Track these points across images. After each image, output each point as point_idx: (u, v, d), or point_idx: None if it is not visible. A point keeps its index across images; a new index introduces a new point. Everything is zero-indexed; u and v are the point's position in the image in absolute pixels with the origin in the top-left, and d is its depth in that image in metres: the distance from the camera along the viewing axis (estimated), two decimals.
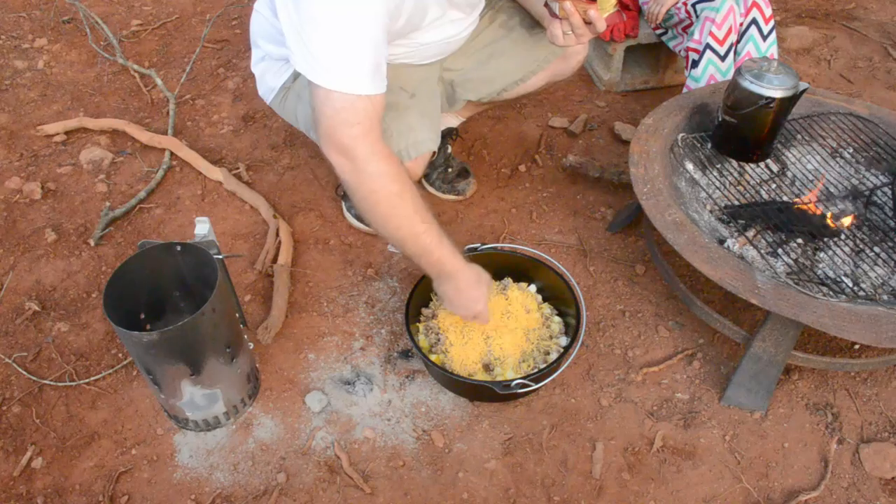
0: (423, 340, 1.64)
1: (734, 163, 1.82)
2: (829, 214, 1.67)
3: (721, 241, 1.65)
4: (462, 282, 1.50)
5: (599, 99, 2.59)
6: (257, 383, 1.63)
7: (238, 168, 2.24)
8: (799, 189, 1.77)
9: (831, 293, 1.46)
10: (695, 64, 2.19)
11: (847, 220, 1.67)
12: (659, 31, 2.41)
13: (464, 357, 1.58)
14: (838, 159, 1.84)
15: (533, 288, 1.75)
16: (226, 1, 3.11)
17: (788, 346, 1.51)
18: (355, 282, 1.90)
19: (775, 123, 1.66)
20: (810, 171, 1.80)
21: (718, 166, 1.81)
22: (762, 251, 1.60)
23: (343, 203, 2.07)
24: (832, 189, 1.77)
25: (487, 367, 1.58)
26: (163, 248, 1.43)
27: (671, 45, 2.40)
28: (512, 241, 2.02)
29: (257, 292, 1.87)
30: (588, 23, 1.41)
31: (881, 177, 1.78)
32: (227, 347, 1.44)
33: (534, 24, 1.80)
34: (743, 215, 1.70)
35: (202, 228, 1.46)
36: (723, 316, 1.60)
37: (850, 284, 1.54)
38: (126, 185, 2.20)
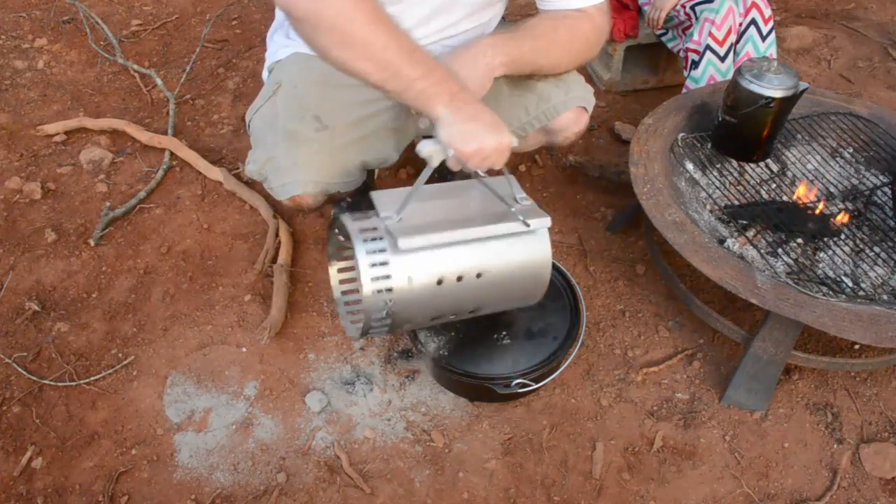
0: None
1: (734, 163, 1.82)
2: (819, 207, 1.67)
3: (721, 241, 1.65)
4: (472, 105, 1.27)
5: (599, 99, 2.58)
6: None
7: (238, 168, 2.24)
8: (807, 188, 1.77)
9: (831, 293, 1.46)
10: (695, 65, 2.19)
11: (844, 217, 1.67)
12: (659, 32, 2.41)
13: None
14: (838, 159, 1.84)
15: None
16: (226, 1, 3.11)
17: (788, 346, 1.51)
18: None
19: (775, 123, 1.66)
20: (810, 171, 1.80)
21: (718, 166, 1.81)
22: (762, 251, 1.60)
23: (333, 209, 2.03)
24: (832, 189, 1.77)
25: None
26: None
27: (670, 45, 2.40)
28: None
29: (257, 292, 1.87)
30: None
31: (881, 177, 1.78)
32: None
33: (517, 84, 1.61)
34: (743, 215, 1.70)
35: None
36: (723, 316, 1.60)
37: (850, 284, 1.54)
38: (126, 185, 2.20)
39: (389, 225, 1.20)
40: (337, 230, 1.38)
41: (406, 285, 1.20)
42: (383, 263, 1.19)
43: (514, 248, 1.30)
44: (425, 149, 1.25)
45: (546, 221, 1.29)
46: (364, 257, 1.18)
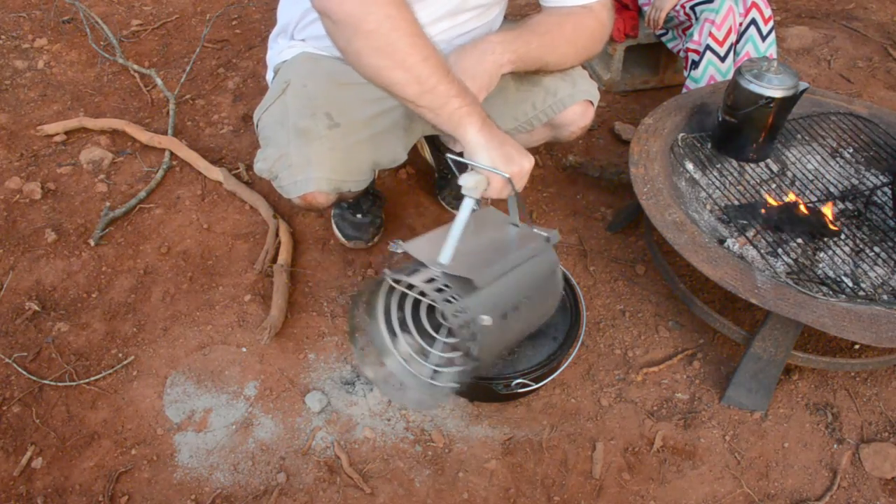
0: None
1: (734, 163, 1.81)
2: (819, 208, 1.67)
3: (721, 241, 1.65)
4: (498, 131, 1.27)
5: (599, 99, 2.58)
6: None
7: (238, 168, 2.24)
8: (799, 189, 1.77)
9: (831, 293, 1.46)
10: (695, 65, 2.19)
11: (829, 211, 1.67)
12: (659, 32, 2.41)
13: None
14: (838, 159, 1.84)
15: None
16: (226, 1, 3.11)
17: (788, 346, 1.51)
18: (355, 282, 1.90)
19: (775, 123, 1.66)
20: (810, 171, 1.80)
21: (718, 166, 1.81)
22: (762, 251, 1.60)
23: (333, 210, 2.05)
24: (832, 189, 1.77)
25: None
26: None
27: (670, 45, 2.40)
28: None
29: (257, 292, 1.87)
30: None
31: (881, 177, 1.78)
32: None
33: (523, 79, 1.62)
34: (743, 215, 1.70)
35: None
36: (723, 316, 1.60)
37: (850, 284, 1.54)
38: (126, 185, 2.20)
39: (446, 271, 1.14)
40: (390, 286, 1.27)
41: (486, 326, 1.16)
42: (462, 312, 1.13)
43: (541, 266, 1.31)
44: (470, 181, 1.20)
45: (557, 234, 1.31)
46: (446, 307, 1.12)
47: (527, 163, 1.26)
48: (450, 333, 1.27)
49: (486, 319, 1.15)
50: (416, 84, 1.20)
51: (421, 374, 1.29)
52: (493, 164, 1.22)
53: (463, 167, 1.25)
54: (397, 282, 1.21)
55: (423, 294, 1.20)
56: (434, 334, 1.29)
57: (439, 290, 1.13)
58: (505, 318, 1.21)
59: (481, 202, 1.27)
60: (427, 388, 1.30)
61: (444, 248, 1.16)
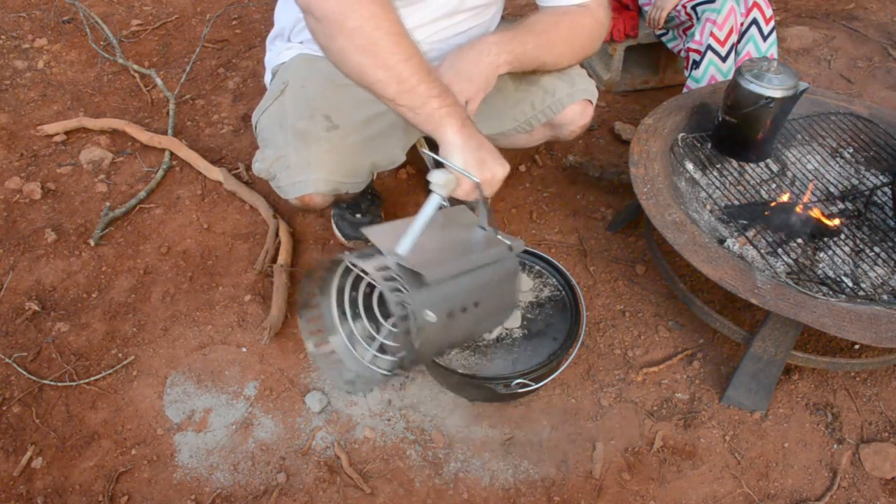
0: None
1: (734, 163, 1.81)
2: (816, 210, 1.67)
3: (721, 241, 1.65)
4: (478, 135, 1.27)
5: (599, 99, 2.56)
6: None
7: (238, 168, 2.24)
8: (799, 189, 1.77)
9: (831, 293, 1.46)
10: (696, 65, 2.19)
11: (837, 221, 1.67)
12: (660, 32, 2.41)
13: None
14: (838, 159, 1.84)
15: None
16: (226, 1, 3.11)
17: (788, 346, 1.51)
18: None
19: (775, 123, 1.66)
20: (810, 171, 1.80)
21: (718, 166, 1.81)
22: (762, 251, 1.60)
23: (333, 210, 2.04)
24: (832, 189, 1.77)
25: None
26: None
27: (670, 45, 2.40)
28: None
29: (257, 292, 1.87)
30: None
31: (881, 177, 1.78)
32: None
33: (522, 79, 1.62)
34: (743, 215, 1.70)
35: None
36: (723, 316, 1.60)
37: (850, 284, 1.54)
38: (126, 185, 2.20)
39: (400, 262, 1.14)
40: (344, 267, 1.28)
41: (429, 322, 1.15)
42: (406, 304, 1.13)
43: (499, 273, 1.29)
44: (440, 178, 1.20)
45: (521, 243, 1.30)
46: (392, 296, 1.11)
47: (500, 171, 1.25)
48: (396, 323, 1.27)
49: (431, 316, 1.14)
50: (396, 83, 1.20)
51: (363, 357, 1.29)
52: (466, 166, 1.22)
53: (437, 163, 1.25)
54: (354, 264, 1.21)
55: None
56: (382, 321, 1.29)
57: (390, 280, 1.13)
58: (451, 317, 1.20)
59: (451, 201, 1.27)
60: (364, 371, 1.30)
61: (403, 239, 1.16)
